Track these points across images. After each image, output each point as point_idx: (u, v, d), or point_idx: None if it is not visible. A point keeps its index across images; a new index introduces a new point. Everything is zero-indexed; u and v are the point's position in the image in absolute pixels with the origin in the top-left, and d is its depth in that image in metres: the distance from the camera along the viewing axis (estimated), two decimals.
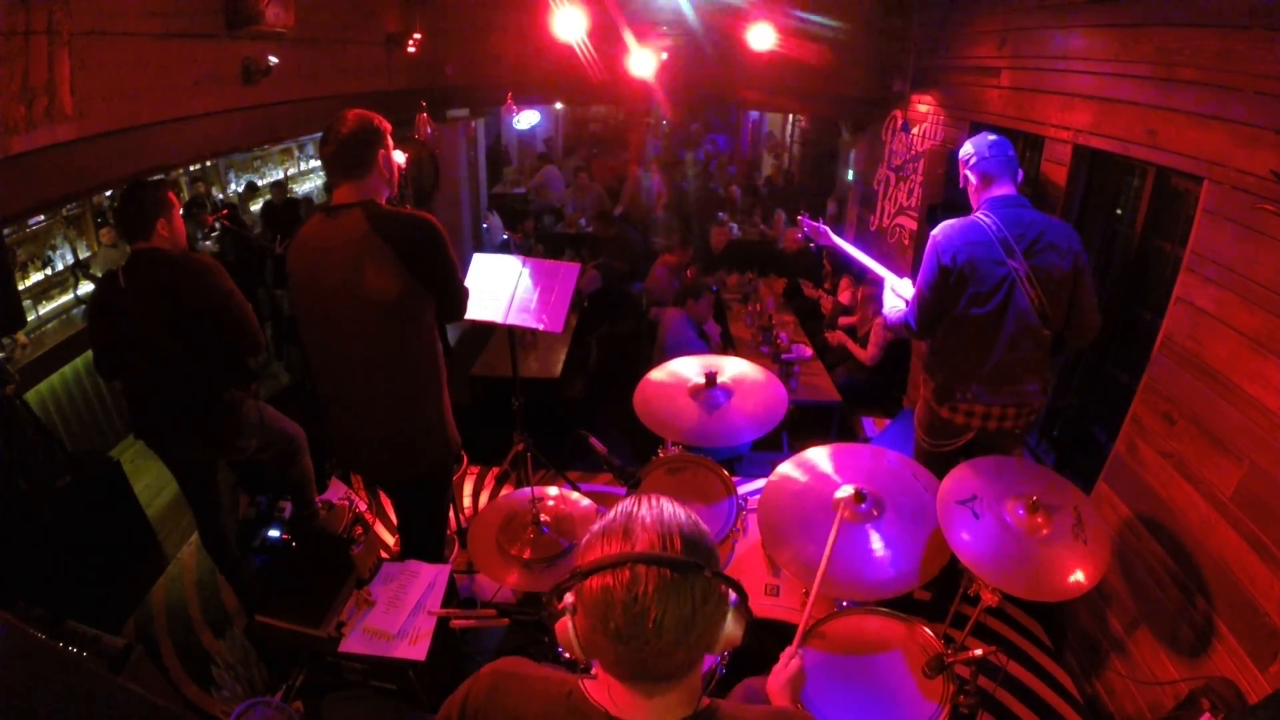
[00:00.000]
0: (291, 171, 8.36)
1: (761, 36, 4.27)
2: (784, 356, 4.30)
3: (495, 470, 3.68)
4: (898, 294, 2.62)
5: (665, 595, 0.80)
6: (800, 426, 4.04)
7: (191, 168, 6.39)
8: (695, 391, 2.54)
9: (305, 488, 2.95)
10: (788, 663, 1.43)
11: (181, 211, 2.48)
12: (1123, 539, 2.39)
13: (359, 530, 2.77)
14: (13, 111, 1.98)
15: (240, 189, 7.35)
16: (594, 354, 5.10)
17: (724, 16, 4.61)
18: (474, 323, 3.02)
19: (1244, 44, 1.93)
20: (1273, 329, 1.84)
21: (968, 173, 2.40)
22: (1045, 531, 1.75)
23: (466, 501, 3.64)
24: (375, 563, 2.30)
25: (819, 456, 2.11)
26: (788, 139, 9.74)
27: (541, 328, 2.79)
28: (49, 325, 4.46)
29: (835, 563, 1.74)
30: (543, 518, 2.19)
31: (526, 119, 5.84)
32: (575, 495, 2.40)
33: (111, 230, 4.91)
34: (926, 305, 2.38)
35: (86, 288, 4.74)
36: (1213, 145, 2.04)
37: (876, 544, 1.85)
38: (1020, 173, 2.37)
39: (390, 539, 3.24)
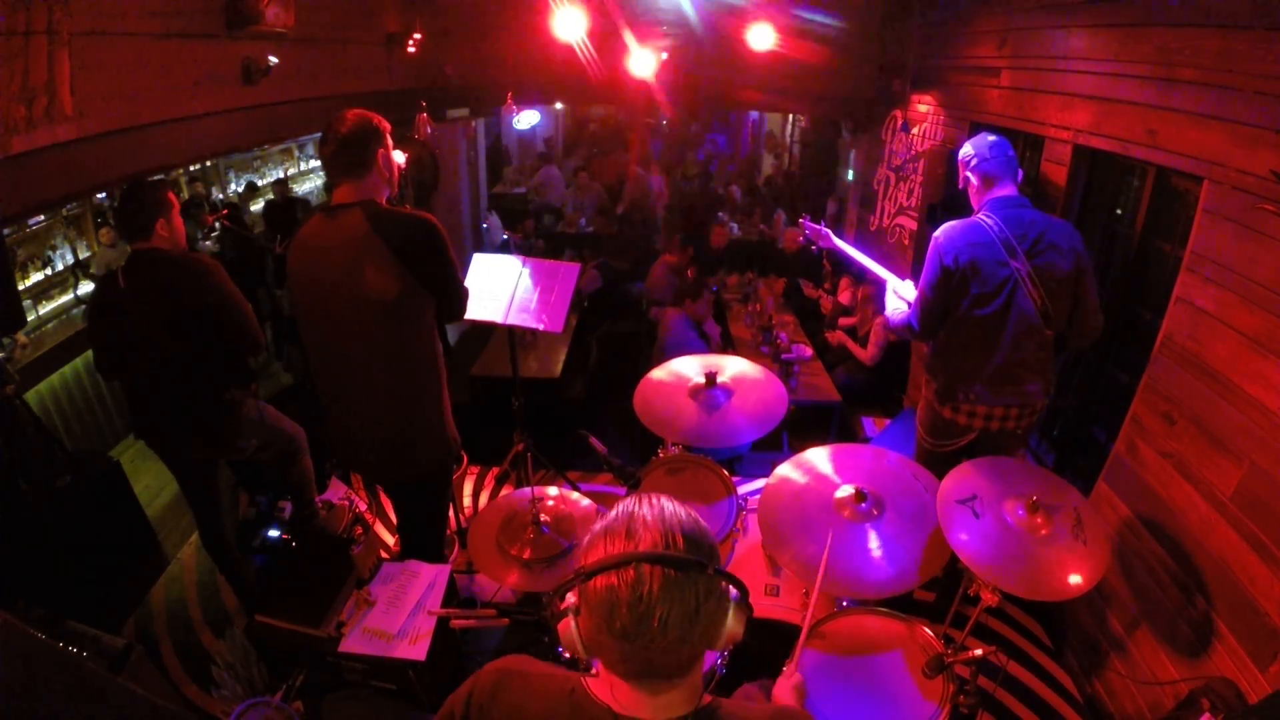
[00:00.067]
0: (291, 171, 8.35)
1: (762, 36, 4.28)
2: (784, 356, 4.30)
3: (495, 470, 3.68)
4: (900, 296, 2.62)
5: (669, 593, 0.81)
6: (800, 426, 4.05)
7: (191, 168, 6.38)
8: (695, 391, 2.54)
9: (305, 488, 2.95)
10: (791, 675, 1.43)
11: (181, 211, 2.48)
12: (1123, 539, 2.39)
13: (359, 530, 2.78)
14: (13, 111, 1.98)
15: (240, 189, 7.35)
16: (594, 354, 5.10)
17: (724, 16, 4.62)
18: (474, 323, 3.02)
19: (1244, 44, 1.93)
20: (1273, 329, 1.84)
21: (968, 174, 2.40)
22: (1045, 531, 1.76)
23: (466, 501, 3.64)
24: (375, 563, 2.30)
25: (819, 457, 2.11)
26: (788, 139, 9.74)
27: (541, 328, 2.79)
28: (49, 325, 4.45)
29: (835, 562, 1.75)
30: (543, 518, 2.19)
31: (526, 119, 5.83)
32: (575, 495, 2.40)
33: (111, 230, 4.90)
34: (929, 307, 2.38)
35: (86, 288, 4.74)
36: (1213, 145, 2.04)
37: (876, 544, 1.85)
38: (1020, 173, 2.38)
39: (390, 539, 3.24)
